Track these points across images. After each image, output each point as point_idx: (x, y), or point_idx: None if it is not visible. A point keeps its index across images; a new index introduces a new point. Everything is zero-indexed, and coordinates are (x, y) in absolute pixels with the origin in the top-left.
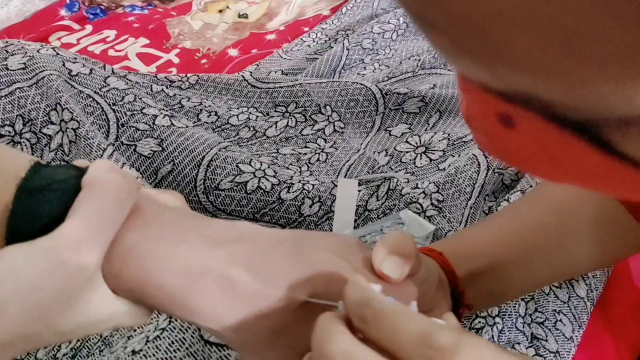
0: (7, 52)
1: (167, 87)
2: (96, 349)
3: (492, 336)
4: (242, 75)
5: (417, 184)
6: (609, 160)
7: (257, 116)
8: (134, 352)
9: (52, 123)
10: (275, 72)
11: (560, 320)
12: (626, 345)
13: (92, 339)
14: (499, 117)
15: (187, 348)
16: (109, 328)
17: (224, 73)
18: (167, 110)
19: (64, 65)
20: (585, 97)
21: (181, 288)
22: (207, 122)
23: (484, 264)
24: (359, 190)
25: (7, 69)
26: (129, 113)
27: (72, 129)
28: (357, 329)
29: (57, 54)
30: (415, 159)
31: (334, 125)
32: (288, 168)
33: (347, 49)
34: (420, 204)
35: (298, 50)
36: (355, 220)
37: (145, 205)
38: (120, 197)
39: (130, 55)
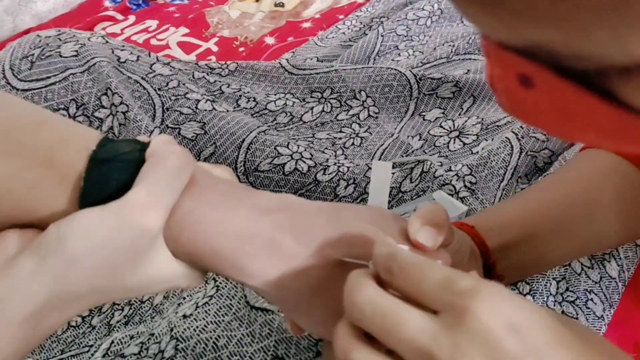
0: (60, 40)
1: (207, 74)
2: (147, 315)
3: None
4: (279, 63)
5: (450, 167)
6: (616, 112)
7: (294, 102)
8: (184, 316)
9: (103, 107)
10: (311, 59)
11: (592, 300)
12: None
13: (144, 306)
14: (519, 78)
15: (234, 313)
16: (166, 288)
17: (261, 60)
18: (208, 96)
19: (113, 52)
20: (585, 45)
21: (232, 250)
22: (246, 108)
23: (514, 236)
24: (393, 173)
25: (61, 56)
26: (173, 98)
27: (122, 112)
28: (385, 282)
29: (107, 42)
30: (448, 143)
31: (368, 111)
32: (323, 152)
33: (382, 36)
34: (454, 186)
35: (333, 37)
36: (389, 202)
37: (200, 177)
38: (180, 167)
39: (171, 44)
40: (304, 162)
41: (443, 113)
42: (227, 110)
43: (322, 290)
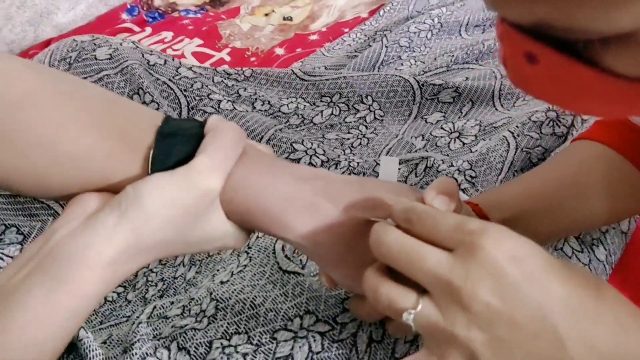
0: (95, 44)
1: (225, 79)
2: (182, 288)
3: None
4: (291, 70)
5: (452, 163)
6: (600, 76)
7: (305, 105)
8: (221, 282)
9: None
10: (319, 68)
11: None
12: None
13: (177, 281)
14: (526, 55)
15: (267, 277)
16: (217, 247)
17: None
18: (228, 97)
19: (142, 56)
20: (575, 18)
21: (279, 210)
22: (261, 110)
23: (514, 213)
24: (399, 168)
25: (96, 58)
26: (197, 98)
27: (153, 110)
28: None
29: (137, 47)
30: (449, 143)
31: (374, 114)
32: (333, 151)
33: (386, 47)
34: (455, 179)
35: (339, 48)
36: None
37: (249, 150)
38: (236, 140)
39: (186, 54)
40: (318, 157)
41: (444, 116)
42: (247, 111)
43: (352, 247)
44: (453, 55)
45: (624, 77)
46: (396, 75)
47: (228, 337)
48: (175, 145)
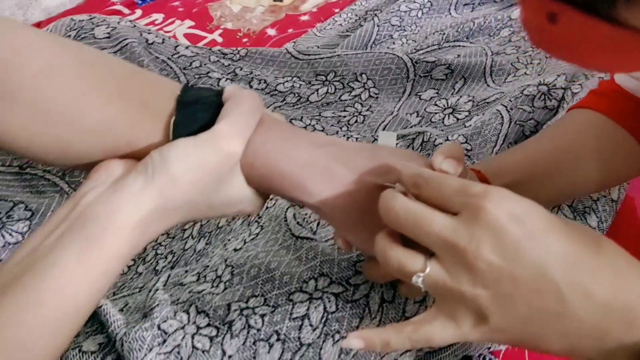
0: (92, 23)
1: (221, 59)
2: (193, 260)
3: None
4: (286, 49)
5: (447, 137)
6: (620, 33)
7: (300, 84)
8: (235, 250)
9: None
10: (312, 47)
11: None
12: None
13: (187, 253)
14: (547, 15)
15: (280, 244)
16: (236, 212)
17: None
18: (226, 76)
19: (141, 35)
20: None
21: (297, 174)
22: (258, 89)
23: (514, 179)
24: (397, 143)
25: (95, 37)
26: (197, 76)
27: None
28: (412, 194)
29: (134, 25)
30: (443, 118)
31: (369, 92)
32: (331, 128)
33: (377, 26)
34: None
35: (331, 29)
36: None
37: (266, 118)
38: (254, 107)
39: (178, 36)
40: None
41: (437, 93)
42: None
43: (366, 210)
44: (444, 34)
45: None
46: (389, 54)
47: (245, 300)
48: (197, 113)
